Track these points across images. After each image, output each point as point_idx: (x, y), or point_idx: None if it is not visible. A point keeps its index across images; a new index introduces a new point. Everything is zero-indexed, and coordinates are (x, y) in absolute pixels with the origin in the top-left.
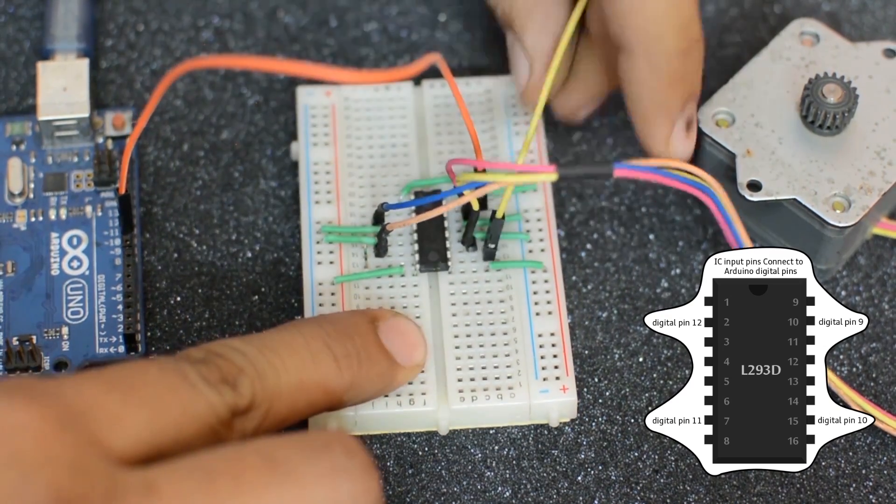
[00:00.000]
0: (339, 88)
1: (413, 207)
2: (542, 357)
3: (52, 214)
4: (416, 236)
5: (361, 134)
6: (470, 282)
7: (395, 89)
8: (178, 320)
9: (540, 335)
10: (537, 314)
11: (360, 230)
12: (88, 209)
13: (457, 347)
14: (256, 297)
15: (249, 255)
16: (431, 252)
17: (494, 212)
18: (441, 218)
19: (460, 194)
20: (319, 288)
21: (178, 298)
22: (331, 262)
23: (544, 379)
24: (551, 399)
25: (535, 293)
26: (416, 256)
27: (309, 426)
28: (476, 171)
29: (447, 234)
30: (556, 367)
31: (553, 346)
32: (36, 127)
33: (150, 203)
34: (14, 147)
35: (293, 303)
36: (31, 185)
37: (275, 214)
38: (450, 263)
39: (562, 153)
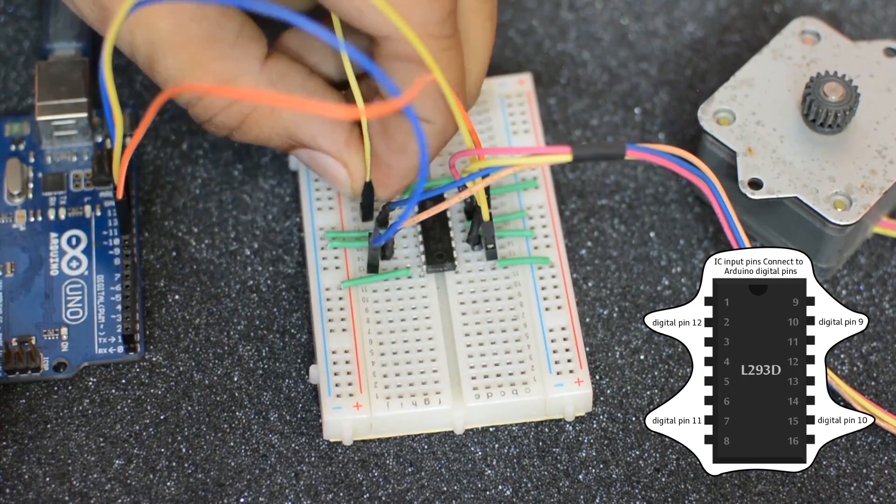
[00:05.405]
0: None
1: (418, 210)
2: (554, 351)
3: (52, 214)
4: (421, 237)
5: None
6: (477, 280)
7: None
8: (177, 318)
9: (551, 330)
10: (547, 309)
11: (364, 234)
12: (87, 209)
13: (468, 346)
14: (255, 294)
15: (248, 253)
16: (438, 252)
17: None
18: (446, 218)
19: (462, 187)
20: (327, 293)
21: (177, 297)
22: (336, 267)
23: (558, 373)
24: (567, 392)
25: (543, 289)
26: (423, 257)
27: (323, 423)
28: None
29: (452, 234)
30: (569, 361)
31: (565, 339)
32: (35, 127)
33: (149, 202)
34: (13, 147)
35: (292, 300)
36: (31, 185)
37: (274, 213)
38: (456, 263)
39: None
